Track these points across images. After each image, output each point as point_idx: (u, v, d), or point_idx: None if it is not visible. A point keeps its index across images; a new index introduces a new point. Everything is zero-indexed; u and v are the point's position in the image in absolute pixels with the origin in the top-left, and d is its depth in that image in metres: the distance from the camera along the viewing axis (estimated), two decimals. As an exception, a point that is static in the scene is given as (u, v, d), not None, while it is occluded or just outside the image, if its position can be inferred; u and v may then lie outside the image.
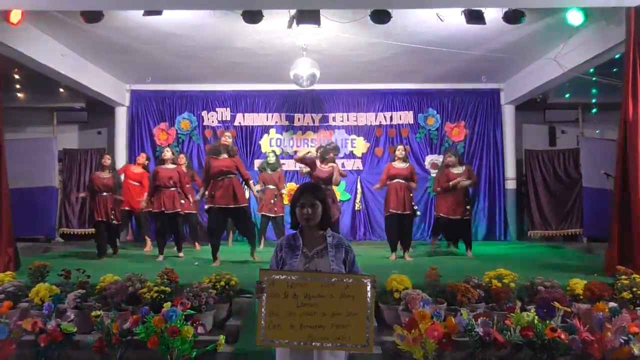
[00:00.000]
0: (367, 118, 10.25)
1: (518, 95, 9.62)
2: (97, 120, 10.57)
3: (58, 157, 9.91)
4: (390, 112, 10.23)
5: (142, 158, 8.62)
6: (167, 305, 3.71)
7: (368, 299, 2.39)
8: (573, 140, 10.46)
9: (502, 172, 10.10)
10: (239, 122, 10.20)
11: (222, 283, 4.38)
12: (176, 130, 10.17)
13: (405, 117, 10.22)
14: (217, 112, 10.22)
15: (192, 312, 3.83)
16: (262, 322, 2.39)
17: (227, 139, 6.59)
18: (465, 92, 10.16)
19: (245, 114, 10.21)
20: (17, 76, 8.67)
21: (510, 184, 10.13)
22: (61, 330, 3.66)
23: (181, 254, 7.19)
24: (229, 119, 10.20)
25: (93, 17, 6.12)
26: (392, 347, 3.56)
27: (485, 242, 9.54)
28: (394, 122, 10.24)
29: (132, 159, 9.85)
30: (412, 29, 7.12)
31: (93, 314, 3.84)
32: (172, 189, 7.08)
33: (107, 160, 7.36)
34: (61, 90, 9.44)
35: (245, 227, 6.75)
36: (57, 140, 10.10)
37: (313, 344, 2.38)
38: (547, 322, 3.39)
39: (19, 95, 9.40)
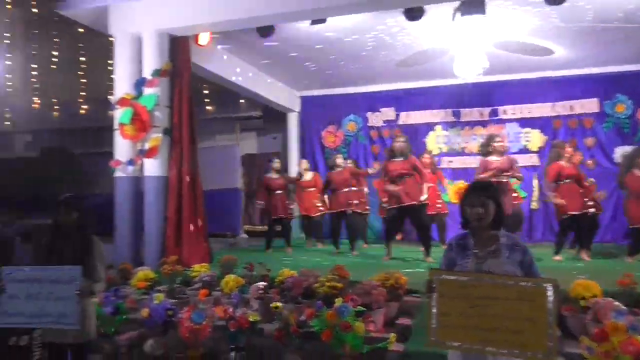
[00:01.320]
0: (542, 109, 9.42)
1: None
2: (272, 126, 11.46)
3: (240, 162, 10.99)
4: (570, 101, 9.24)
5: (304, 164, 8.96)
6: (338, 300, 3.86)
7: (549, 305, 2.20)
8: None
9: None
10: (403, 121, 10.17)
11: (392, 281, 4.41)
12: (343, 132, 10.54)
13: (588, 105, 9.14)
14: (381, 112, 10.33)
15: (363, 309, 3.93)
16: (433, 322, 2.35)
17: (400, 142, 6.69)
18: (665, 72, 8.73)
19: (410, 112, 10.14)
20: (205, 91, 9.89)
21: None
22: (247, 318, 4.04)
23: (355, 252, 7.36)
24: (393, 118, 10.24)
25: (266, 31, 6.68)
26: (578, 360, 3.23)
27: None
28: (575, 112, 9.23)
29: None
30: (594, 6, 6.37)
31: (273, 305, 4.16)
32: (346, 190, 7.49)
33: (276, 164, 7.97)
34: (241, 101, 10.50)
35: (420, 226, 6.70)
36: (239, 146, 11.20)
37: (487, 348, 2.26)
38: None
39: (208, 108, 10.66)
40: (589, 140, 9.11)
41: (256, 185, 8.46)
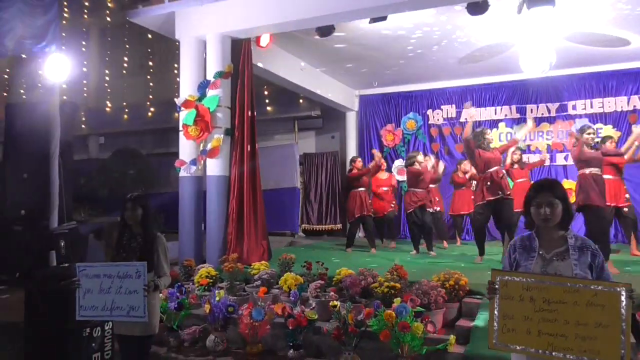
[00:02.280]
0: (616, 103, 8.89)
1: None
2: (331, 126, 11.48)
3: (299, 161, 11.09)
4: (646, 94, 8.68)
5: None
6: (397, 300, 3.82)
7: (623, 310, 2.07)
8: None
9: None
10: (465, 118, 9.90)
11: (452, 282, 4.31)
12: (402, 131, 10.41)
13: (668, 97, 8.54)
14: (442, 109, 10.13)
15: (422, 309, 3.86)
16: (495, 324, 2.27)
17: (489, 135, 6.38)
18: None
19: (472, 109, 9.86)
20: (265, 92, 10.06)
21: None
22: (305, 316, 4.07)
23: (432, 252, 7.14)
24: (454, 115, 10.01)
25: (326, 31, 6.70)
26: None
27: None
28: (653, 105, 8.65)
29: (362, 159, 10.43)
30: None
31: (331, 304, 4.17)
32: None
33: (358, 163, 7.95)
34: (300, 100, 10.60)
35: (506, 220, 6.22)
36: (298, 145, 11.30)
37: (553, 353, 2.15)
38: None
39: (268, 108, 10.85)
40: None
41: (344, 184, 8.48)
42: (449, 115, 10.05)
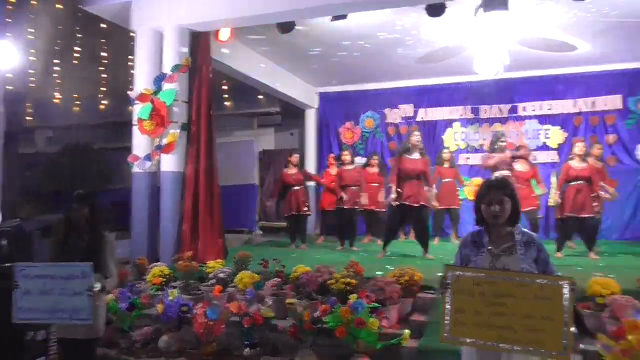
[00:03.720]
0: (563, 105, 9.27)
1: None
2: (290, 122, 11.47)
3: (258, 158, 11.02)
4: (592, 98, 9.07)
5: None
6: (353, 297, 3.85)
7: (565, 303, 2.16)
8: None
9: None
10: (422, 117, 10.09)
11: (406, 278, 4.38)
12: (360, 129, 10.50)
13: (611, 101, 8.95)
14: (399, 108, 10.27)
15: (377, 305, 3.91)
16: (447, 318, 2.33)
17: (417, 137, 6.56)
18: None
19: (428, 109, 10.07)
20: (224, 87, 9.93)
21: None
22: (261, 314, 4.05)
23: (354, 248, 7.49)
24: (411, 115, 10.17)
25: (287, 27, 6.67)
26: (594, 357, 3.17)
27: None
28: (597, 109, 9.05)
29: (320, 157, 10.51)
30: (618, 1, 6.23)
31: (287, 301, 4.17)
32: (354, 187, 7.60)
33: (294, 159, 7.95)
34: (260, 97, 10.52)
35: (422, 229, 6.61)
36: (256, 142, 11.24)
37: (501, 345, 2.24)
38: None
39: (226, 103, 10.71)
40: (610, 137, 8.93)
41: (273, 182, 8.42)
42: (407, 115, 10.21)
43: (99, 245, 3.14)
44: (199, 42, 6.58)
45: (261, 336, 4.14)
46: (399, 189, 6.37)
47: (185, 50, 6.45)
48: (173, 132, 6.24)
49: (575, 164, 6.42)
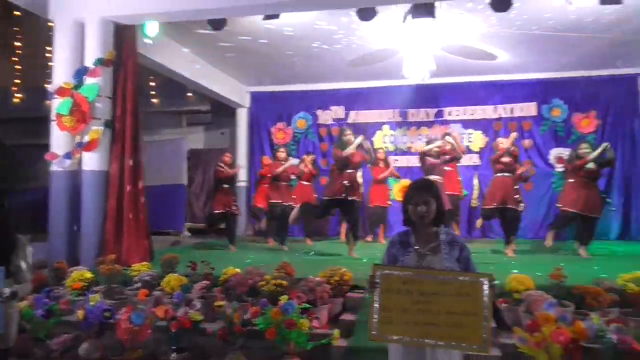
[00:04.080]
0: (485, 111, 9.78)
1: (662, 80, 8.56)
2: (221, 122, 11.27)
3: (187, 157, 10.74)
4: (510, 105, 9.64)
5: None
6: (284, 298, 3.85)
7: (485, 299, 2.28)
8: None
9: (639, 165, 9.08)
10: (352, 120, 10.26)
11: (337, 278, 4.44)
12: (292, 129, 10.51)
13: (527, 109, 9.56)
14: (331, 110, 10.38)
15: (308, 305, 3.93)
16: (375, 317, 2.38)
17: (349, 134, 6.82)
18: (597, 79, 9.23)
19: (359, 111, 10.25)
20: (152, 83, 9.59)
21: (649, 179, 9.07)
22: (189, 318, 3.95)
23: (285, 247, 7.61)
24: (343, 116, 10.31)
25: (218, 24, 6.54)
26: (512, 350, 3.36)
27: (619, 241, 8.69)
28: (515, 115, 9.63)
29: (252, 157, 10.43)
30: (535, 15, 6.66)
31: (216, 304, 4.09)
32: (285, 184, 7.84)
33: (227, 158, 7.84)
34: (189, 94, 10.25)
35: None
36: (185, 140, 10.95)
37: (427, 341, 2.32)
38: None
39: (154, 100, 10.35)
40: (527, 142, 9.52)
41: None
42: (338, 116, 10.34)
43: (11, 248, 2.92)
44: (124, 35, 6.31)
45: (189, 340, 4.03)
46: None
47: (109, 43, 6.16)
48: (96, 129, 5.95)
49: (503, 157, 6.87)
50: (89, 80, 5.96)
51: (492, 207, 6.82)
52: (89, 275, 5.06)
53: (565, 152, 8.76)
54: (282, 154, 8.08)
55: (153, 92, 10.10)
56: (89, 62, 6.02)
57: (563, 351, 2.97)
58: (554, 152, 9.37)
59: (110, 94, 6.19)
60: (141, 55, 6.86)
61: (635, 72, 9.06)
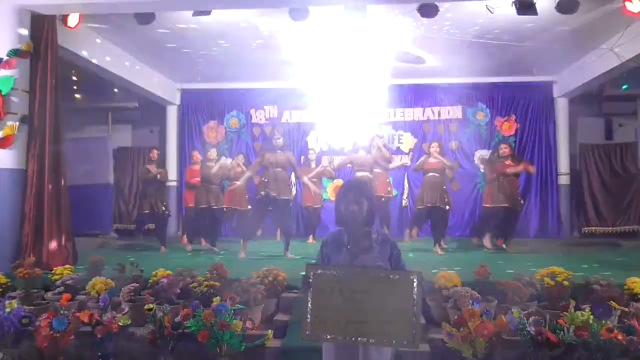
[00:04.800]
0: (414, 113, 10.12)
1: (572, 87, 9.23)
2: (150, 119, 10.88)
3: (113, 155, 10.29)
4: (438, 107, 10.05)
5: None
6: (216, 299, 3.78)
7: (414, 296, 2.36)
8: (631, 134, 9.97)
9: (554, 167, 9.77)
10: (286, 119, 10.26)
11: (270, 278, 4.42)
12: (225, 128, 10.35)
13: (453, 112, 10.01)
14: (264, 109, 10.32)
15: (241, 307, 3.89)
16: (308, 317, 2.40)
17: (279, 139, 6.80)
18: (516, 85, 9.85)
19: (293, 111, 10.26)
20: (74, 78, 9.09)
21: (564, 179, 9.78)
22: (116, 322, 3.79)
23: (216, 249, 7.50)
24: (276, 116, 10.28)
25: (146, 19, 6.30)
26: (440, 345, 3.50)
27: (537, 239, 9.27)
28: (442, 118, 10.05)
29: (182, 156, 10.16)
30: (460, 23, 6.97)
31: (146, 307, 3.95)
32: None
33: (154, 155, 7.62)
34: (115, 90, 9.82)
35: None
36: (112, 138, 10.48)
37: (358, 339, 2.36)
38: (603, 322, 3.24)
39: (77, 96, 9.83)
40: (453, 144, 9.96)
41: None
42: (271, 116, 10.29)
43: None
44: (42, 26, 5.94)
45: (116, 346, 3.87)
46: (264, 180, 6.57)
47: (26, 33, 5.81)
48: (11, 125, 5.57)
49: (431, 159, 7.33)
50: (2, 72, 5.57)
51: (422, 207, 7.16)
52: (3, 279, 4.73)
53: (488, 153, 9.25)
54: (212, 154, 7.91)
55: (76, 87, 9.58)
56: (2, 53, 5.63)
57: (487, 344, 3.13)
58: (478, 154, 9.86)
59: (28, 87, 5.82)
60: (63, 49, 6.51)
61: (551, 79, 9.73)
